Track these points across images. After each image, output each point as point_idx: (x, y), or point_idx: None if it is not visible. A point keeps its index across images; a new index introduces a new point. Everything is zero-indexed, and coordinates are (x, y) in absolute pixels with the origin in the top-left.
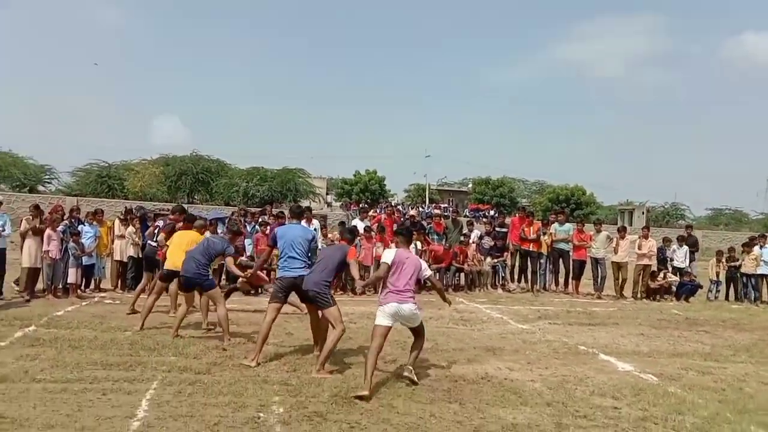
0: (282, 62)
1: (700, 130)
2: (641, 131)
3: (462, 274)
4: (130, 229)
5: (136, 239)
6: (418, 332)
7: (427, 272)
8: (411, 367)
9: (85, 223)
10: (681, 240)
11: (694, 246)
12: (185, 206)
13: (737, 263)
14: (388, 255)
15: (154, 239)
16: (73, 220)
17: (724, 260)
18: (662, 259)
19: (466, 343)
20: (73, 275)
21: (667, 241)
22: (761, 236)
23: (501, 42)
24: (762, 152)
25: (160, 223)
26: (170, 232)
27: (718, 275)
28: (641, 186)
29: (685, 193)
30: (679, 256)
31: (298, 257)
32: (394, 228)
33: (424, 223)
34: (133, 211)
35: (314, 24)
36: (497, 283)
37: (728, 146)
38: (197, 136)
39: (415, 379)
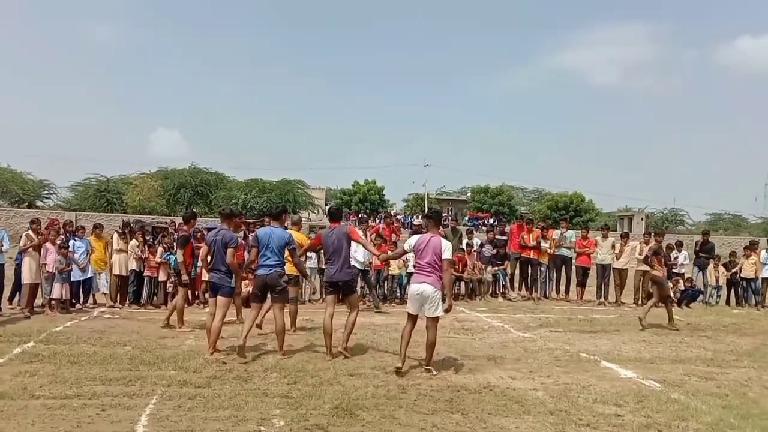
0: (279, 74)
1: (697, 136)
2: (639, 138)
3: (462, 283)
4: (133, 242)
5: (139, 253)
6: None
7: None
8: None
9: (76, 238)
10: (679, 245)
11: (710, 253)
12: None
13: (735, 268)
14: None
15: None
16: (67, 234)
17: (721, 265)
18: None
19: (468, 353)
20: (57, 291)
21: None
22: None
23: (498, 51)
24: (760, 156)
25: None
26: (185, 243)
27: (717, 280)
28: (641, 192)
29: (685, 199)
30: (679, 261)
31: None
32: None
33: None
34: (131, 224)
35: (311, 35)
36: (497, 292)
37: (726, 151)
38: (196, 150)
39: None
